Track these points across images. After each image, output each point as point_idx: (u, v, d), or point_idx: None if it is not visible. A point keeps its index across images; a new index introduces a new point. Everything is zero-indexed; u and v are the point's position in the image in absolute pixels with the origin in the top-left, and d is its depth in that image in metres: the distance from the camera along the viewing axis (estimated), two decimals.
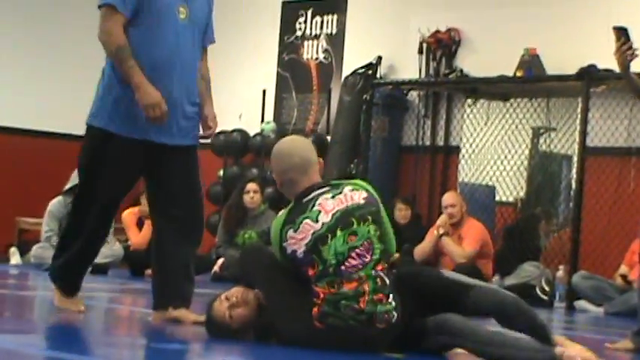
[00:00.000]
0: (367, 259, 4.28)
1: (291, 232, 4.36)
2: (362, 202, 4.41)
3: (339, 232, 4.31)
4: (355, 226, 4.33)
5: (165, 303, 5.24)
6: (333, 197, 4.41)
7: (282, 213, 4.50)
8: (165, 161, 5.26)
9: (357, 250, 4.29)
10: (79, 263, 5.43)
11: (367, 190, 4.50)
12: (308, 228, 4.34)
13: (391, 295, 4.25)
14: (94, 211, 5.25)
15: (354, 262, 4.26)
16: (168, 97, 5.15)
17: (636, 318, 8.59)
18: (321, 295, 4.23)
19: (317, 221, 4.34)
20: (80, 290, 5.51)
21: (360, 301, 4.21)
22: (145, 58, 5.11)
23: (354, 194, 4.42)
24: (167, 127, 5.18)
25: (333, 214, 4.35)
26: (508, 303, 4.34)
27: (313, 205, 4.39)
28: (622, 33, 5.61)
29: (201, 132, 5.51)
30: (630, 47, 5.56)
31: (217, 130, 13.66)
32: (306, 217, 4.37)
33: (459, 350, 4.31)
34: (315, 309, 4.23)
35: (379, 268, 4.29)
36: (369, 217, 4.37)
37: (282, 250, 4.39)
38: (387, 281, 4.28)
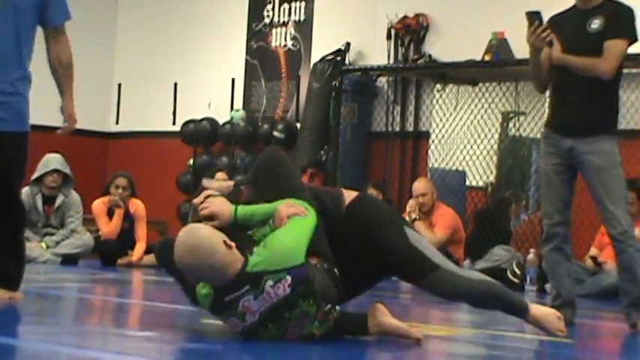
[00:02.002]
0: (305, 323, 4.17)
1: (219, 318, 4.28)
2: (288, 291, 4.08)
3: (270, 325, 4.14)
4: (287, 314, 4.12)
5: None
6: (255, 298, 4.08)
7: (205, 293, 4.17)
8: None
9: (292, 327, 4.16)
10: None
11: (288, 256, 4.11)
12: (237, 323, 4.16)
13: (336, 308, 4.23)
14: None
15: (293, 333, 4.18)
16: None
17: (608, 299, 8.67)
18: None
19: (245, 320, 4.12)
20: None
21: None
22: None
23: (278, 289, 4.07)
24: None
25: (261, 313, 4.10)
26: (475, 294, 4.35)
27: (237, 307, 4.11)
28: (535, 17, 5.65)
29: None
30: (544, 31, 5.60)
31: (187, 119, 13.73)
32: (232, 316, 4.14)
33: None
34: None
35: (320, 315, 4.18)
36: (299, 300, 4.11)
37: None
38: (329, 306, 4.20)
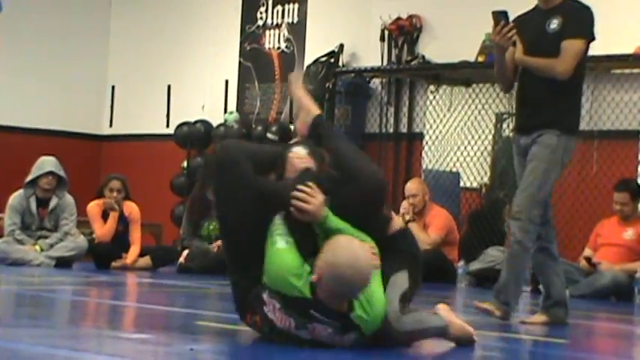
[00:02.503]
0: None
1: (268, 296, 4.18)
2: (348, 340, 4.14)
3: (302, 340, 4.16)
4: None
5: None
6: (330, 331, 4.11)
7: (298, 285, 4.08)
8: None
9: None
10: None
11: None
12: (283, 322, 4.12)
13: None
14: None
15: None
16: None
17: (602, 299, 8.69)
18: None
19: (293, 330, 4.13)
20: None
21: None
22: None
23: (350, 338, 4.12)
24: None
25: (312, 338, 4.13)
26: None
27: (307, 321, 4.09)
28: (501, 16, 5.69)
29: None
30: (510, 30, 5.62)
31: (180, 121, 13.70)
32: (291, 317, 4.11)
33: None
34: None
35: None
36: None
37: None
38: None
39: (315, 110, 4.58)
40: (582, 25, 5.79)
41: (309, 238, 4.16)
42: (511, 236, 5.76)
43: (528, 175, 5.71)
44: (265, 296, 4.09)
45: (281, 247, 4.09)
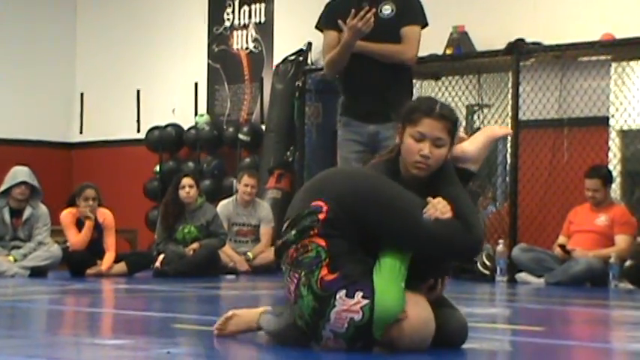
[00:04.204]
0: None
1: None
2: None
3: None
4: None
5: None
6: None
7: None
8: None
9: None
10: None
11: None
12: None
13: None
14: None
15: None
16: None
17: (578, 286, 8.74)
18: None
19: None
20: None
21: None
22: None
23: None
24: None
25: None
26: None
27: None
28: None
29: None
30: (367, 12, 5.63)
31: (151, 126, 13.71)
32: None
33: None
34: None
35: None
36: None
37: None
38: None
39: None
40: (418, 12, 5.96)
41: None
42: None
43: None
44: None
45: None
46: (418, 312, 3.87)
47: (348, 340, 3.90)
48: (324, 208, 3.95)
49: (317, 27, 6.13)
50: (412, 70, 6.06)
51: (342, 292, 3.86)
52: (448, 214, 3.98)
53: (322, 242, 3.93)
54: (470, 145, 4.33)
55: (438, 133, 4.13)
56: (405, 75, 5.85)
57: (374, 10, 5.63)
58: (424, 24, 5.96)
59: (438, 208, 3.97)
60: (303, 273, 3.93)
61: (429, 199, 4.01)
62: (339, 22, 5.68)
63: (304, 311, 3.93)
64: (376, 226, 3.95)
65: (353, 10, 5.61)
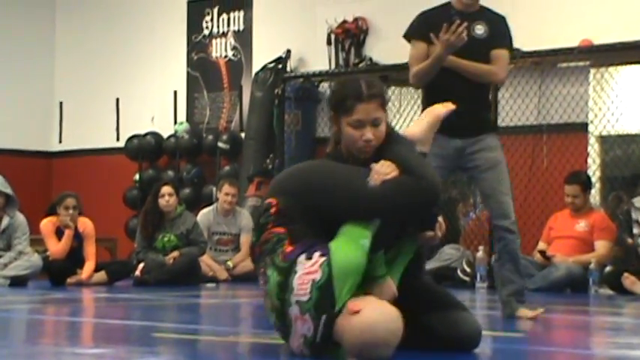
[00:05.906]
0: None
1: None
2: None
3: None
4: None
5: None
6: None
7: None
8: None
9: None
10: None
11: None
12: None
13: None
14: None
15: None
16: None
17: (558, 292, 8.75)
18: None
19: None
20: None
21: None
22: None
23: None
24: None
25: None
26: None
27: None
28: (456, 15, 5.78)
29: None
30: (459, 26, 5.64)
31: (130, 134, 13.69)
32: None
33: None
34: None
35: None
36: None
37: None
38: None
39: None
40: (508, 36, 5.96)
41: None
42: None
43: (503, 181, 5.82)
44: None
45: None
46: (372, 312, 3.79)
47: (314, 309, 3.81)
48: (274, 202, 4.03)
49: (405, 36, 6.11)
50: (489, 88, 6.15)
51: (302, 257, 3.89)
52: (394, 173, 4.01)
53: (281, 230, 3.99)
54: (415, 127, 4.41)
55: (374, 114, 4.14)
56: (487, 92, 5.99)
57: (466, 24, 5.63)
58: (512, 49, 6.05)
59: (381, 171, 4.01)
60: (268, 258, 3.98)
61: (372, 165, 4.04)
62: (432, 35, 5.68)
63: (272, 293, 3.94)
64: (326, 207, 3.99)
65: (445, 25, 5.61)
